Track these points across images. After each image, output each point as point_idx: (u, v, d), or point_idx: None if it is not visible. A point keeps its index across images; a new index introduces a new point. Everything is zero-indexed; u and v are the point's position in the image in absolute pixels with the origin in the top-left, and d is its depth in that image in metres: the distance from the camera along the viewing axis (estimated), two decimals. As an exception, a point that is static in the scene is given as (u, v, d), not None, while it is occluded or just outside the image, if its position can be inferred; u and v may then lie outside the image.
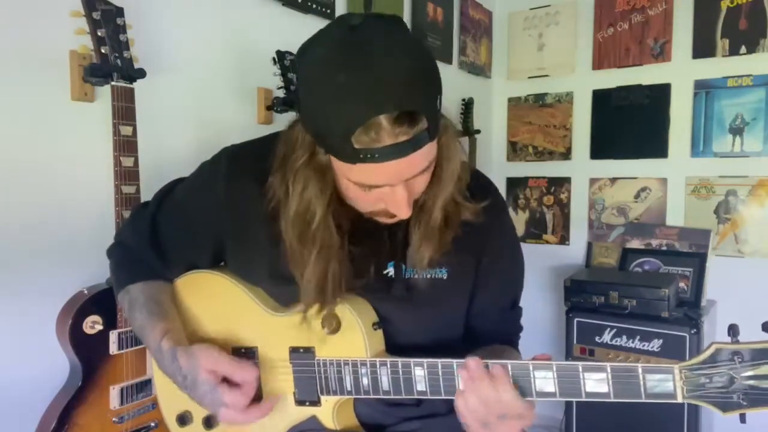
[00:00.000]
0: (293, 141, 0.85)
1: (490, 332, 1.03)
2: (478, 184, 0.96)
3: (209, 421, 1.01)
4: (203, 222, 0.98)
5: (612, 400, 0.77)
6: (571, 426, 2.32)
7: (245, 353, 0.98)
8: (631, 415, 2.17)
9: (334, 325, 0.89)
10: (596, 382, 0.77)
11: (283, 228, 0.87)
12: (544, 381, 0.79)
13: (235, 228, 0.97)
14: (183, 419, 1.04)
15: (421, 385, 0.85)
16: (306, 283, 0.87)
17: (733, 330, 0.77)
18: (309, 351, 0.92)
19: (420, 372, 0.85)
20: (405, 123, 0.71)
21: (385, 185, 0.79)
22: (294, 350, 0.93)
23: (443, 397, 0.85)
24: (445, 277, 0.94)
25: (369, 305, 0.93)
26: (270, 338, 0.96)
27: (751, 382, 0.72)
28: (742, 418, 0.74)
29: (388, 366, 0.87)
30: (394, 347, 0.93)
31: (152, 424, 1.28)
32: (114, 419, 1.21)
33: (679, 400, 0.74)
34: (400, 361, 0.86)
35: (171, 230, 1.01)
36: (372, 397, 0.89)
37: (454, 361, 0.83)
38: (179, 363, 0.91)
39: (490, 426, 0.80)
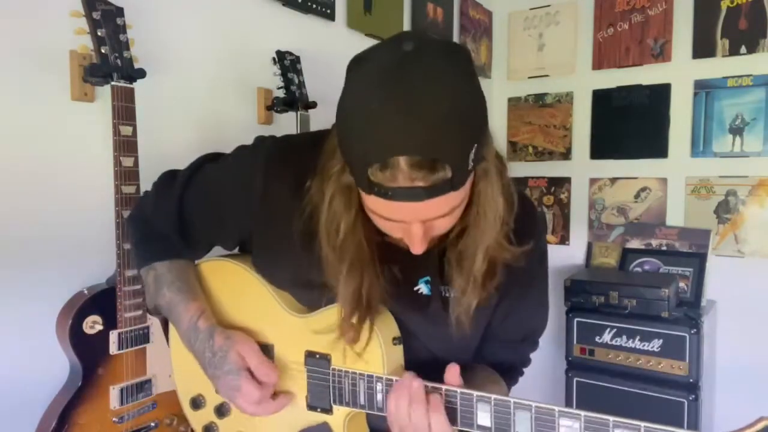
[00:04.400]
0: (332, 149, 0.81)
1: (493, 355, 1.02)
2: (522, 222, 0.88)
3: (221, 410, 1.02)
4: (233, 214, 0.97)
5: None
6: (571, 426, 2.32)
7: (261, 349, 0.97)
8: (632, 416, 2.17)
9: (353, 336, 0.87)
10: None
11: (320, 236, 0.85)
12: (570, 430, 0.74)
13: (265, 228, 0.95)
14: (196, 403, 1.05)
15: None
16: (341, 298, 0.85)
17: None
18: (325, 358, 0.91)
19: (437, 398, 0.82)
20: (424, 169, 0.67)
21: (399, 221, 0.76)
22: (310, 354, 0.93)
23: (459, 427, 0.82)
24: None
25: (392, 319, 0.91)
26: (288, 338, 0.95)
27: None
28: None
29: None
30: (413, 361, 0.91)
31: (152, 424, 1.28)
32: (114, 419, 1.21)
33: None
34: None
35: (198, 214, 0.99)
36: (385, 414, 0.86)
37: (475, 393, 0.80)
38: (214, 341, 0.93)
39: None
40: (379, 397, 0.86)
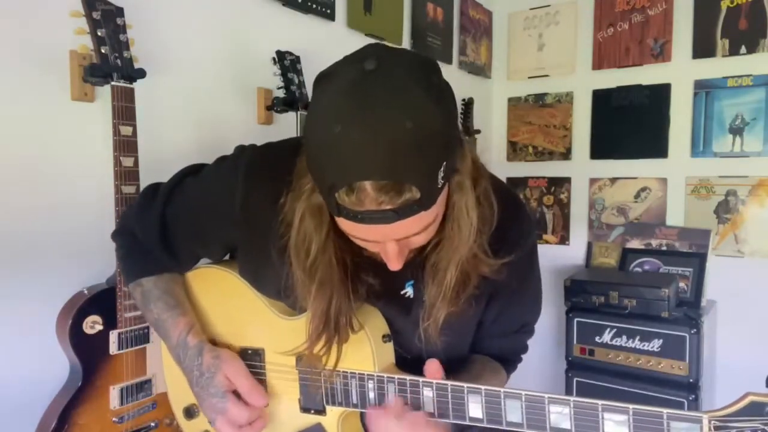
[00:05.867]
0: (305, 166, 0.80)
1: (489, 347, 1.03)
2: (506, 229, 0.87)
3: None
4: (215, 227, 0.96)
5: None
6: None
7: (252, 354, 0.97)
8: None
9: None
10: (616, 425, 0.72)
11: (290, 254, 0.84)
12: (560, 416, 0.75)
13: (247, 240, 0.94)
14: (190, 412, 1.05)
15: (429, 407, 0.83)
16: (311, 318, 0.85)
17: None
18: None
19: (428, 393, 0.83)
20: (391, 192, 0.66)
21: (369, 241, 0.76)
22: (301, 357, 0.92)
23: (451, 420, 0.83)
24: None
25: (381, 316, 0.91)
26: (278, 341, 0.94)
27: None
28: None
29: (396, 383, 0.85)
30: (404, 360, 0.91)
31: (152, 424, 1.28)
32: (114, 419, 1.21)
33: None
34: (408, 379, 0.84)
35: (180, 228, 0.99)
36: None
37: (465, 385, 0.81)
38: (203, 359, 0.92)
39: None
40: (371, 395, 0.87)
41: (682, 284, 2.43)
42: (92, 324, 1.19)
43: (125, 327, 1.22)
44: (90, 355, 1.18)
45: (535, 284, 1.04)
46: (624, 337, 2.24)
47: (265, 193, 0.89)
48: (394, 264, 0.78)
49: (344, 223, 0.74)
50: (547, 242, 2.94)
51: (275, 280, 0.91)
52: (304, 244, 0.81)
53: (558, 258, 2.88)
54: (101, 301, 1.20)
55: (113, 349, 1.21)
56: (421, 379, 0.83)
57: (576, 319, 2.34)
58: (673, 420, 0.69)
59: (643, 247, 2.61)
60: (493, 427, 0.81)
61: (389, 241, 0.75)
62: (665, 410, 0.70)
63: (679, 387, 2.15)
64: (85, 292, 1.21)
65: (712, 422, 0.68)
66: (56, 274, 1.25)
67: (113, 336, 1.21)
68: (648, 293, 2.20)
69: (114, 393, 1.21)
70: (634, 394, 2.20)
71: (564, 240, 2.90)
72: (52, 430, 1.13)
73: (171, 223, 0.99)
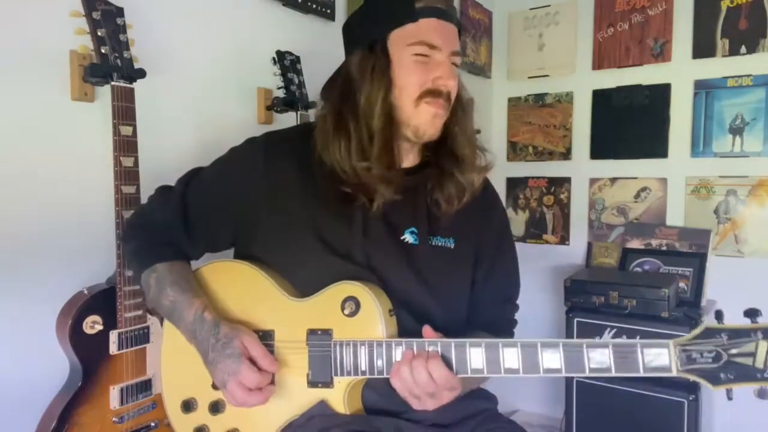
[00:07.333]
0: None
1: (484, 316, 1.11)
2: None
3: (216, 406, 1.03)
4: (236, 202, 1.04)
5: (613, 374, 0.84)
6: (571, 426, 2.32)
7: (262, 336, 1.00)
8: (632, 416, 2.17)
9: (353, 308, 0.94)
10: (600, 355, 0.84)
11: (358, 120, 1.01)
12: (551, 357, 0.86)
13: (274, 204, 1.02)
14: (188, 405, 1.05)
15: None
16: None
17: (718, 314, 0.86)
18: (327, 333, 0.96)
19: (434, 350, 0.90)
20: None
21: (439, 48, 0.98)
22: (312, 332, 0.97)
23: (455, 374, 0.90)
24: (452, 247, 1.04)
25: (384, 294, 0.97)
26: (288, 322, 0.99)
27: (737, 359, 0.80)
28: (729, 394, 0.83)
29: (404, 346, 0.91)
30: (405, 333, 0.97)
31: (152, 424, 1.28)
32: (114, 419, 1.21)
33: (674, 373, 0.81)
34: (415, 341, 0.91)
35: (200, 207, 1.06)
36: (386, 377, 0.92)
37: (468, 341, 0.89)
38: (220, 330, 0.96)
39: (421, 399, 0.90)
40: (379, 362, 0.93)
41: (682, 284, 2.43)
42: (92, 324, 1.19)
43: (125, 327, 1.22)
44: (90, 355, 1.19)
45: (513, 256, 1.19)
46: (624, 337, 2.24)
47: (287, 158, 1.03)
48: (451, 75, 1.01)
49: (421, 29, 0.98)
50: (547, 242, 2.94)
51: (311, 227, 1.01)
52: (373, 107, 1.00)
53: (558, 258, 2.88)
54: (101, 301, 1.20)
55: (113, 349, 1.21)
56: (426, 341, 0.91)
57: (576, 319, 2.34)
58: (645, 347, 0.83)
59: (643, 247, 2.61)
60: (493, 375, 0.89)
61: (446, 59, 1.00)
62: (638, 341, 0.83)
63: (679, 387, 2.15)
64: (85, 292, 1.21)
65: (677, 347, 0.82)
66: (56, 274, 1.25)
67: (113, 336, 1.21)
68: (648, 293, 2.20)
69: (114, 393, 1.21)
70: (634, 394, 2.20)
71: (564, 240, 2.90)
72: (52, 430, 1.13)
73: (190, 203, 1.06)
